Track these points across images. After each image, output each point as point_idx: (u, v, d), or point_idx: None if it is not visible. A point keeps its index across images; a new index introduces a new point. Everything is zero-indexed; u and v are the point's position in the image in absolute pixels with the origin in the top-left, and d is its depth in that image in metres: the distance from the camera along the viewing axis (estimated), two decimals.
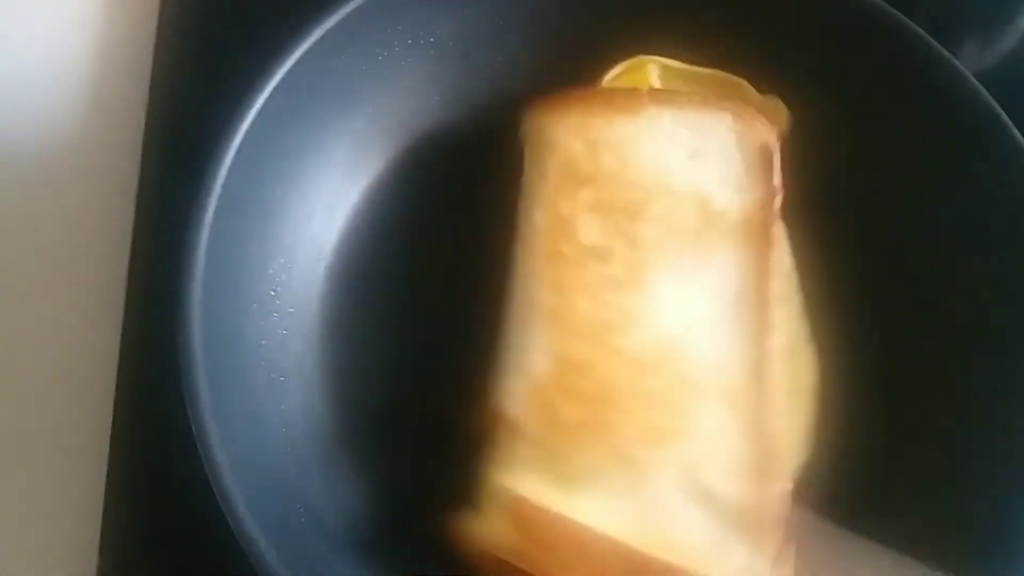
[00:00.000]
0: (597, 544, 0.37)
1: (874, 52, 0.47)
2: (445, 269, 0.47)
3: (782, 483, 0.39)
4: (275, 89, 0.43)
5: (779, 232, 0.44)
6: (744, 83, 0.48)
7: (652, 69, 0.48)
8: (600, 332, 0.41)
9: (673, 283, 0.42)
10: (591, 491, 0.39)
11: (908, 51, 0.46)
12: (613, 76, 0.48)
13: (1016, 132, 0.44)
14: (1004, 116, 0.44)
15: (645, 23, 0.48)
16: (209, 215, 0.40)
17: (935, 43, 0.46)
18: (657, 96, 0.46)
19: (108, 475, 0.47)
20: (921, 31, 0.46)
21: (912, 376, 0.45)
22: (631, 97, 0.45)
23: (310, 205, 0.47)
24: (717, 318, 0.42)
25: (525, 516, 0.38)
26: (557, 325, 0.41)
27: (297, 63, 0.44)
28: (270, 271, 0.45)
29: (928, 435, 0.44)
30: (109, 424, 0.48)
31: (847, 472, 0.42)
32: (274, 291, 0.46)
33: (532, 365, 0.40)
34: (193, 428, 0.38)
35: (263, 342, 0.45)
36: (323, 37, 0.44)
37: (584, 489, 0.39)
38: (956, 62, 0.45)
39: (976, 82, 0.45)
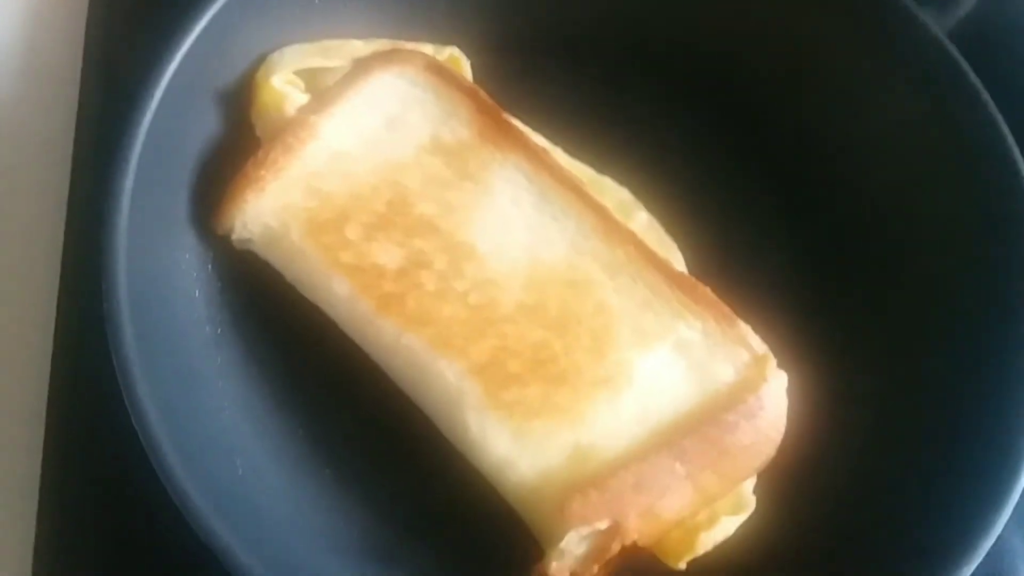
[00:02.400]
0: None
1: None
2: None
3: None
4: (199, 34, 0.42)
5: (525, 133, 0.45)
6: (419, 47, 0.47)
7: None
8: (483, 308, 0.41)
9: (488, 224, 0.43)
10: None
11: None
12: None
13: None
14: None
15: None
16: (135, 152, 0.39)
17: None
18: (314, 106, 0.44)
19: (44, 447, 0.45)
20: None
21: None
22: (296, 130, 0.43)
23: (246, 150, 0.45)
24: (543, 220, 0.43)
25: None
26: (451, 335, 0.41)
27: (223, 8, 0.43)
28: (201, 218, 0.44)
29: None
30: (46, 388, 0.47)
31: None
32: (206, 241, 0.44)
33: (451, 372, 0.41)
34: (118, 375, 0.36)
35: (196, 293, 0.43)
36: None
37: None
38: None
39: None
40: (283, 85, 0.44)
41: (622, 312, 0.42)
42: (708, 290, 0.43)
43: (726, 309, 0.42)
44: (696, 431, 0.40)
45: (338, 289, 0.42)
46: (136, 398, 0.36)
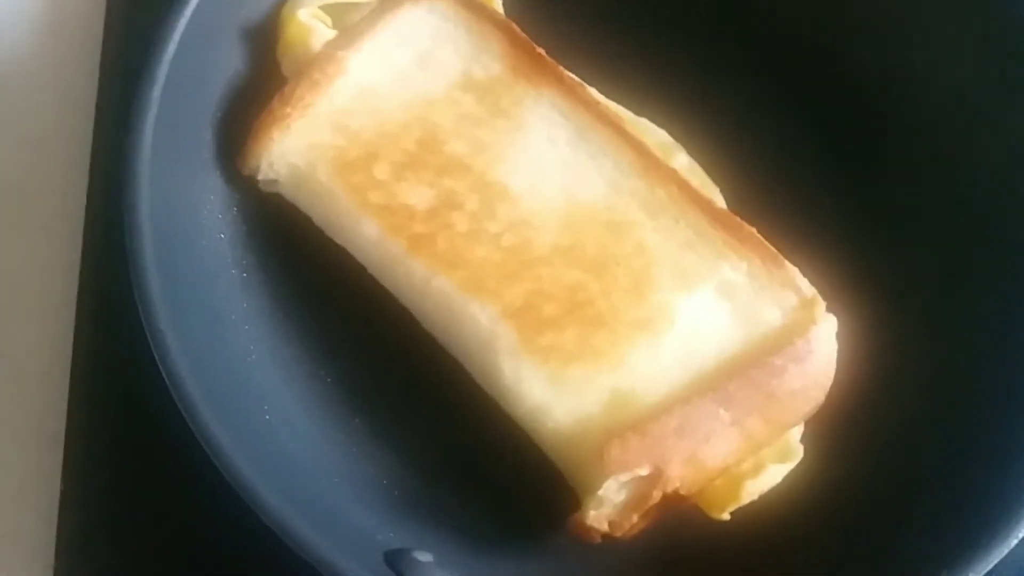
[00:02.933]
0: None
1: None
2: None
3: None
4: None
5: (559, 68, 0.43)
6: None
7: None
8: (517, 249, 0.40)
9: (522, 162, 0.41)
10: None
11: None
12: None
13: None
14: None
15: None
16: (158, 87, 0.38)
17: None
18: (341, 42, 0.42)
19: (70, 392, 0.45)
20: None
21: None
22: (323, 65, 0.41)
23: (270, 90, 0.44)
24: (579, 158, 0.41)
25: None
26: (484, 277, 0.39)
27: None
28: (227, 160, 0.43)
29: None
30: (71, 343, 0.46)
31: None
32: (232, 182, 0.43)
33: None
34: (144, 325, 0.35)
35: (222, 235, 0.42)
36: None
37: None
38: None
39: None
40: (310, 20, 0.43)
41: (663, 253, 0.40)
42: (754, 230, 0.40)
43: (772, 250, 0.40)
44: (742, 375, 0.38)
45: (367, 231, 0.40)
46: (160, 338, 0.35)
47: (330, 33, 0.43)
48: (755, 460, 0.38)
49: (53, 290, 0.48)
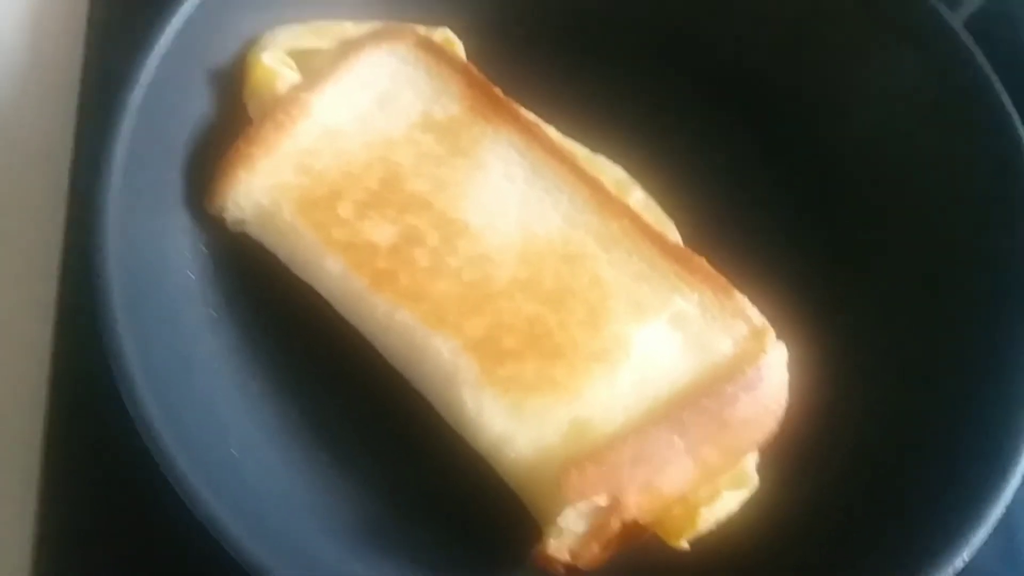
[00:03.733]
0: None
1: None
2: None
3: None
4: (193, 13, 0.42)
5: (516, 107, 0.44)
6: (410, 26, 0.46)
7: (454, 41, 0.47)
8: (477, 284, 0.41)
9: (481, 199, 0.42)
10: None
11: None
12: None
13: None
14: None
15: None
16: (127, 128, 0.39)
17: None
18: (305, 84, 0.44)
19: (45, 430, 0.45)
20: None
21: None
22: (287, 107, 0.43)
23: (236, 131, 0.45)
24: (536, 194, 0.43)
25: None
26: (445, 311, 0.40)
27: None
28: (195, 198, 0.43)
29: None
30: (47, 378, 0.46)
31: None
32: (200, 222, 0.43)
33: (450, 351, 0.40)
34: (111, 361, 0.36)
35: (191, 275, 0.43)
36: None
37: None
38: None
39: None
40: (275, 64, 0.44)
41: (617, 285, 0.41)
42: (704, 262, 0.42)
43: (723, 281, 0.41)
44: (695, 404, 0.38)
45: (331, 267, 0.41)
46: (127, 376, 0.35)
47: (294, 76, 0.44)
48: (711, 488, 0.39)
49: (29, 325, 0.47)
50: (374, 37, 0.45)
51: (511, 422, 0.39)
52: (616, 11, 0.50)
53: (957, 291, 0.43)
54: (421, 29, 0.46)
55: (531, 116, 0.45)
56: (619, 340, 0.40)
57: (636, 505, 0.38)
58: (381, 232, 0.41)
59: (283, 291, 0.43)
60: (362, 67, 0.44)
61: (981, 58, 0.44)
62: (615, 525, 0.38)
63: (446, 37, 0.47)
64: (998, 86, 0.44)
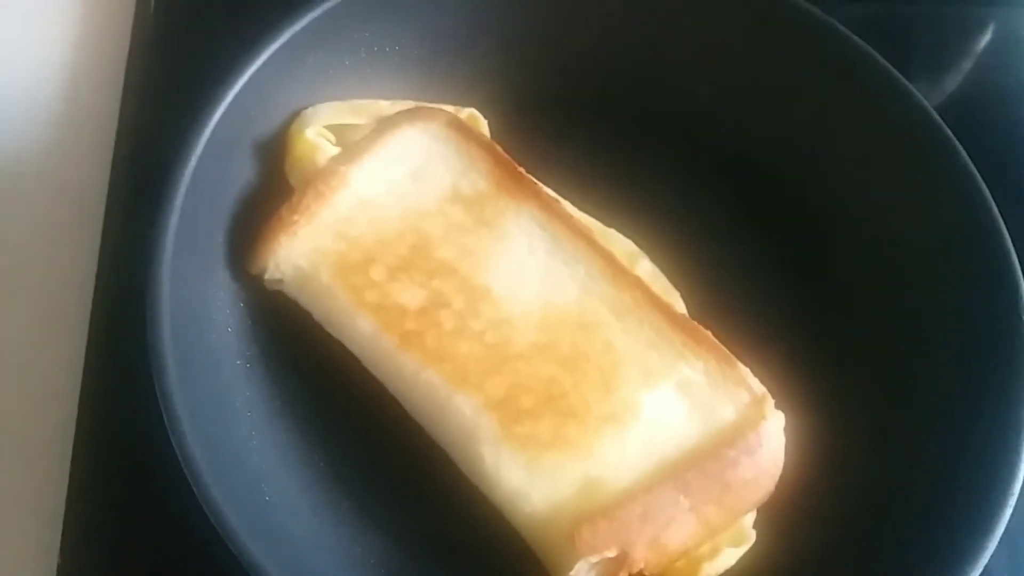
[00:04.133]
0: None
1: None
2: None
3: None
4: (240, 90, 0.45)
5: (537, 184, 0.48)
6: (441, 107, 0.49)
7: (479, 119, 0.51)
8: (498, 346, 0.43)
9: (503, 268, 0.45)
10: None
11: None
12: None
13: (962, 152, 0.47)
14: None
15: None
16: (180, 194, 0.42)
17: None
18: (344, 158, 0.47)
19: (72, 468, 0.47)
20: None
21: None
22: (327, 178, 0.46)
23: (279, 201, 0.48)
24: (555, 265, 0.46)
25: None
26: (468, 371, 0.43)
27: (263, 66, 0.46)
28: (237, 258, 0.46)
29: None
30: (73, 425, 0.48)
31: None
32: (240, 280, 0.46)
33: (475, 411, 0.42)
34: (163, 410, 0.38)
35: (229, 328, 0.46)
36: (289, 41, 0.46)
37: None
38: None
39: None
40: (316, 138, 0.47)
41: (628, 352, 0.44)
42: (709, 333, 0.45)
43: (726, 352, 0.44)
44: (699, 466, 0.41)
45: (362, 326, 0.44)
46: (176, 423, 0.38)
47: (334, 150, 0.48)
48: (712, 544, 0.41)
49: (59, 371, 0.50)
50: (408, 116, 0.48)
51: (527, 477, 0.41)
52: (628, 99, 0.54)
53: (947, 354, 0.46)
54: (450, 109, 0.50)
55: (551, 192, 0.48)
56: (629, 403, 0.43)
57: (643, 559, 0.40)
58: (410, 295, 0.45)
59: (315, 347, 0.46)
60: (397, 143, 0.47)
61: (955, 142, 0.48)
62: None
63: (472, 115, 0.50)
64: (971, 167, 0.47)
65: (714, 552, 0.41)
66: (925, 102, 0.49)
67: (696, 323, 0.45)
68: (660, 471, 0.41)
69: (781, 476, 0.43)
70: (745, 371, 0.44)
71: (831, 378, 0.48)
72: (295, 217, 0.45)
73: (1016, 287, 0.45)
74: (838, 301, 0.51)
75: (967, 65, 0.62)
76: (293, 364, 0.46)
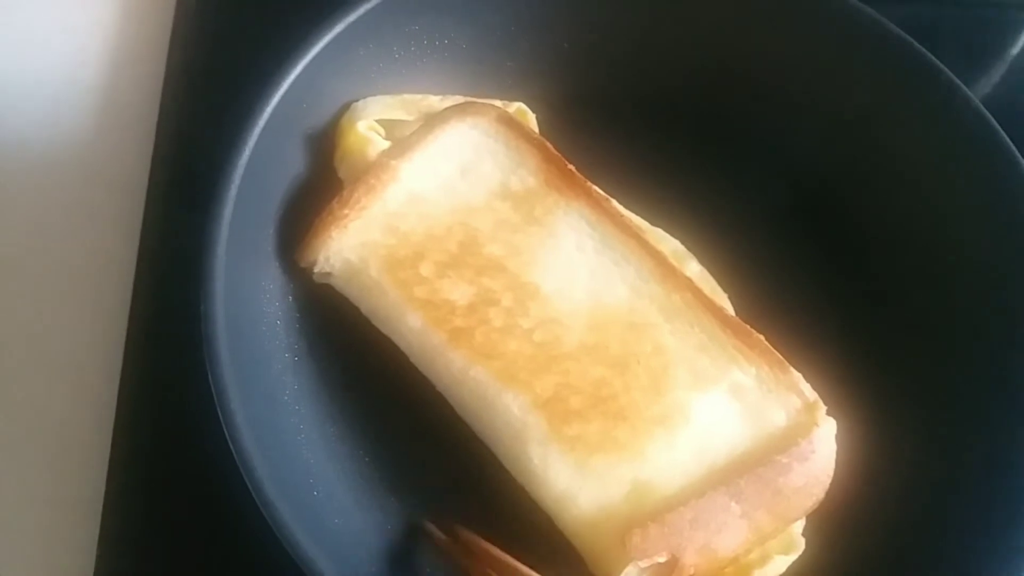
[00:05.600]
0: None
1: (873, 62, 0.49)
2: None
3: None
4: (293, 82, 0.44)
5: (587, 182, 0.47)
6: (491, 102, 0.48)
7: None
8: (547, 345, 0.43)
9: (552, 266, 0.45)
10: None
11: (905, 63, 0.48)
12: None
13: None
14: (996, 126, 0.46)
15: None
16: (234, 186, 0.41)
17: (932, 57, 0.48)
18: (394, 152, 0.46)
19: (110, 465, 0.46)
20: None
21: None
22: (377, 172, 0.45)
23: (330, 194, 0.47)
24: (604, 264, 0.45)
25: None
26: (517, 369, 0.42)
27: (315, 57, 0.45)
28: (287, 252, 0.46)
29: None
30: (112, 419, 0.47)
31: None
32: (289, 273, 0.46)
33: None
34: (218, 405, 0.38)
35: (278, 322, 0.45)
36: (342, 32, 0.45)
37: None
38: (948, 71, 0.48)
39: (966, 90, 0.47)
40: (367, 131, 0.46)
41: (679, 354, 0.43)
42: (762, 337, 0.44)
43: (779, 356, 0.43)
44: (751, 471, 0.40)
45: (411, 322, 0.43)
46: (231, 417, 0.38)
47: (384, 144, 0.47)
48: (761, 551, 0.40)
49: (99, 364, 0.49)
50: (458, 111, 0.47)
51: (575, 479, 0.41)
52: (675, 97, 0.52)
53: (997, 359, 0.45)
54: (498, 103, 0.49)
55: (600, 191, 0.47)
56: (679, 406, 0.42)
57: (693, 565, 0.39)
58: (459, 292, 0.44)
59: (361, 342, 0.45)
60: (447, 138, 0.46)
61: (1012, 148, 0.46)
62: None
63: (520, 109, 0.49)
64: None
65: (764, 559, 0.40)
66: (980, 105, 0.47)
67: (748, 326, 0.44)
68: (711, 476, 0.40)
69: (831, 484, 0.42)
70: (798, 376, 0.43)
71: (879, 385, 0.46)
72: (345, 211, 0.44)
73: None
74: (886, 307, 0.49)
75: (1001, 68, 0.61)
76: (340, 358, 0.46)
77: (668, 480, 0.40)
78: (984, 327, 0.46)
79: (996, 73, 0.61)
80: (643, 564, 0.39)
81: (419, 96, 0.48)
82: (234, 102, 0.43)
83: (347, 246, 0.44)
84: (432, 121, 0.47)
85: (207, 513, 0.45)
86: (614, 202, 0.47)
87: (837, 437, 0.42)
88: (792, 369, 0.43)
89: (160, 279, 0.50)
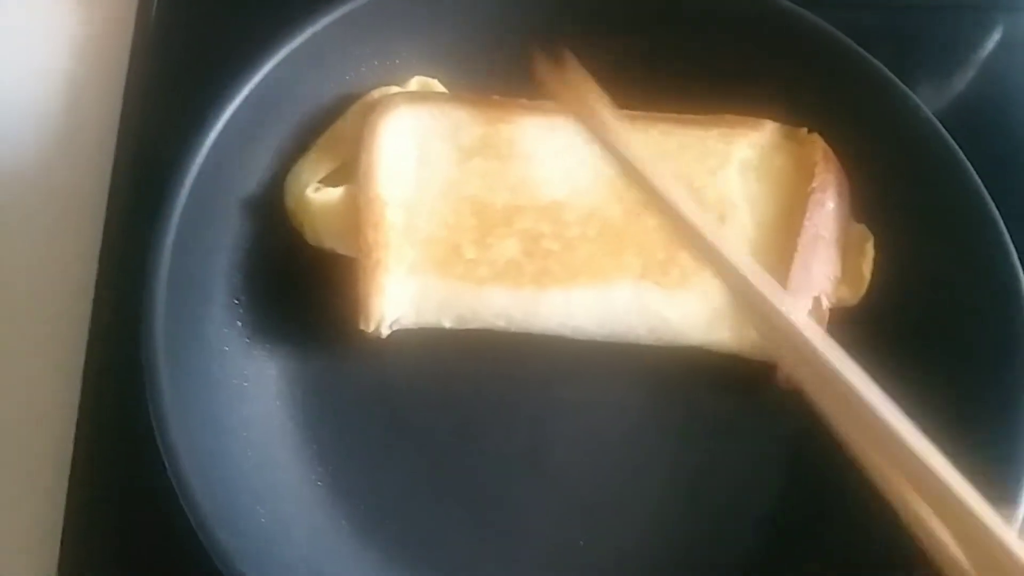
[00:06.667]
0: None
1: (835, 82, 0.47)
2: None
3: None
4: (239, 106, 0.43)
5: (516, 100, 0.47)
6: (388, 89, 0.48)
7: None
8: (602, 232, 0.45)
9: (550, 180, 0.46)
10: None
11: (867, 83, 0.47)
12: None
13: (966, 162, 0.44)
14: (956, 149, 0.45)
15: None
16: (174, 221, 0.40)
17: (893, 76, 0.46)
18: (362, 185, 0.45)
19: (70, 481, 0.45)
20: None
21: None
22: (367, 211, 0.44)
23: (274, 216, 0.46)
24: (580, 146, 0.46)
25: None
26: (602, 266, 0.44)
27: (261, 81, 0.44)
28: (234, 279, 0.45)
29: None
30: (72, 434, 0.46)
31: None
32: (237, 299, 0.45)
33: None
34: (155, 428, 0.37)
35: (226, 348, 0.44)
36: (288, 56, 0.44)
37: None
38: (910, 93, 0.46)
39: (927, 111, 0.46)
40: (317, 194, 0.45)
41: (685, 170, 0.46)
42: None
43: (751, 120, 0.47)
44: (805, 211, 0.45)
45: (496, 298, 0.44)
46: (169, 443, 0.37)
47: (336, 194, 0.45)
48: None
49: (58, 378, 0.47)
50: (374, 115, 0.46)
51: (707, 316, 0.44)
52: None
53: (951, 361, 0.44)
54: (396, 89, 0.48)
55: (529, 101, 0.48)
56: (720, 201, 0.46)
57: (828, 299, 0.45)
58: (509, 247, 0.44)
59: (309, 366, 0.45)
60: (385, 149, 0.45)
61: (974, 176, 0.45)
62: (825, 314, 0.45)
63: (421, 82, 0.49)
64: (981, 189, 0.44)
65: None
66: (931, 115, 0.46)
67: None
68: (773, 236, 0.45)
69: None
70: (771, 125, 0.47)
71: None
72: (377, 256, 0.43)
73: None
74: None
75: (972, 70, 0.57)
76: (290, 384, 0.45)
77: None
78: (941, 333, 0.45)
79: (966, 75, 0.58)
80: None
81: (328, 135, 0.47)
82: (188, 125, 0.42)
83: (396, 282, 0.43)
84: (365, 140, 0.45)
85: (166, 534, 0.40)
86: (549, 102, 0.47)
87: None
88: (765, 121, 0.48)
89: (120, 296, 0.47)
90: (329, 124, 0.47)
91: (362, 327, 0.43)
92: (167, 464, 0.37)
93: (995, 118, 0.55)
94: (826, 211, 0.45)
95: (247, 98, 0.43)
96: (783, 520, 0.43)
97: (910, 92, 0.46)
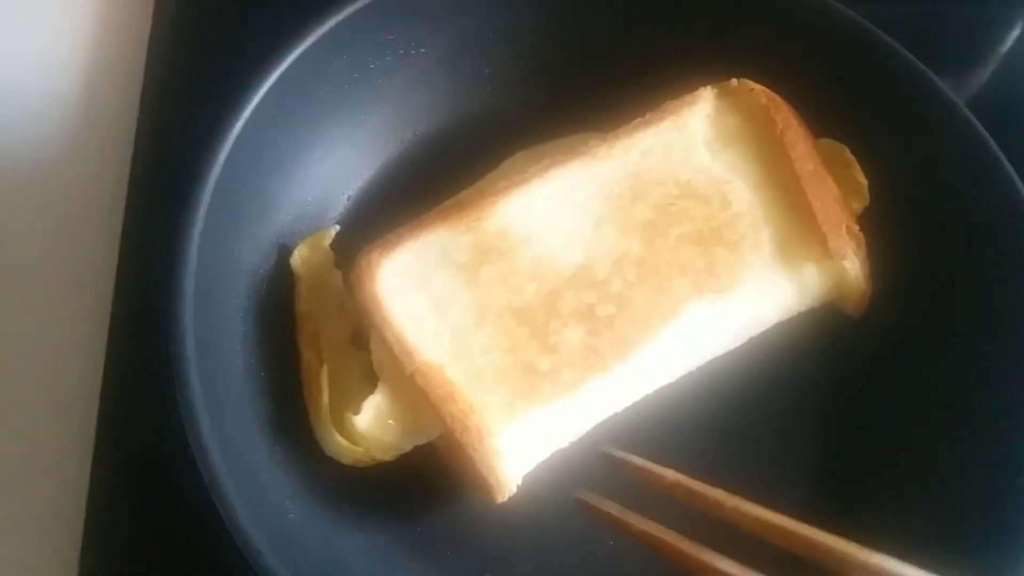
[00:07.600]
0: None
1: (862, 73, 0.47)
2: None
3: None
4: (265, 94, 0.42)
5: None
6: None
7: None
8: (641, 277, 0.43)
9: (559, 253, 0.43)
10: None
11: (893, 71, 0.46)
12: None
13: (999, 152, 0.43)
14: (988, 138, 0.44)
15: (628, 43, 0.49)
16: (202, 212, 0.39)
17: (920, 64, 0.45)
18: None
19: (92, 473, 0.44)
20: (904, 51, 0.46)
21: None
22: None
23: (299, 208, 0.46)
24: (564, 213, 0.44)
25: None
26: (656, 309, 0.42)
27: (288, 69, 0.43)
28: (260, 271, 0.44)
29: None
30: (94, 429, 0.45)
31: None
32: (262, 289, 0.44)
33: None
34: (184, 421, 0.36)
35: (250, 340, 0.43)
36: (315, 44, 0.43)
37: None
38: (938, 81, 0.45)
39: (959, 102, 0.45)
40: (361, 417, 0.40)
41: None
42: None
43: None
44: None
45: (596, 394, 0.41)
46: (200, 441, 0.36)
47: (372, 402, 0.40)
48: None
49: (78, 373, 0.47)
50: (366, 295, 0.41)
51: (764, 291, 0.43)
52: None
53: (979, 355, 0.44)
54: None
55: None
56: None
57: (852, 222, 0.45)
58: (574, 336, 0.41)
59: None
60: (397, 315, 0.41)
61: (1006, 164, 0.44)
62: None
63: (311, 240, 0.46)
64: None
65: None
66: (968, 112, 0.44)
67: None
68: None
69: None
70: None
71: None
72: (472, 425, 0.39)
73: None
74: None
75: (992, 64, 0.57)
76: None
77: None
78: (979, 328, 0.44)
79: (987, 70, 0.58)
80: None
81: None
82: (210, 112, 0.41)
83: (504, 438, 0.39)
84: (373, 319, 0.41)
85: (188, 533, 0.41)
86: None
87: None
88: (698, 92, 0.45)
89: (140, 288, 0.48)
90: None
91: (499, 500, 0.39)
92: (198, 461, 0.36)
93: (1016, 110, 0.55)
94: (803, 145, 0.45)
95: (278, 80, 0.42)
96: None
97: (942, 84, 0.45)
